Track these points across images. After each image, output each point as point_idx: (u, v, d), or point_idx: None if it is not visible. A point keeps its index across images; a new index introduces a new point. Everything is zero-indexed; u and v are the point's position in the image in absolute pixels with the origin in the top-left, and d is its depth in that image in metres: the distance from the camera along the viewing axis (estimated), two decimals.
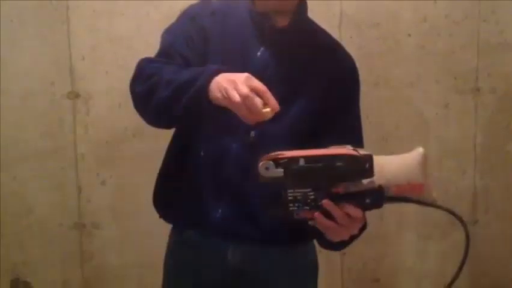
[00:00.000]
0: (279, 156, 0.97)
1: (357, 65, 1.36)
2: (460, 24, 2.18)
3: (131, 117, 2.04)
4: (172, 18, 1.31)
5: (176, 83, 1.11)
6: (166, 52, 1.25)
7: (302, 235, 1.31)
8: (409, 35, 2.17)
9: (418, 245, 2.29)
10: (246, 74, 1.04)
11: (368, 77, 2.03)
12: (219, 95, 1.04)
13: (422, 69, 2.19)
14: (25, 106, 2.07)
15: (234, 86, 1.02)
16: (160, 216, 1.33)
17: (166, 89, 1.12)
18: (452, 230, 2.24)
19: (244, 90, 1.01)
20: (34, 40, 2.06)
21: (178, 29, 1.28)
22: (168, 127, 1.29)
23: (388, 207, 1.01)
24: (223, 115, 1.09)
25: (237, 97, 1.01)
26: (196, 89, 1.07)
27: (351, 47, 1.39)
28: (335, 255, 2.22)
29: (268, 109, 1.03)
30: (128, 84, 1.23)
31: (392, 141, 2.14)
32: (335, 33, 1.41)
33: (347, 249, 2.16)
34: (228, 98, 1.02)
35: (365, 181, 1.00)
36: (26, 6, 2.04)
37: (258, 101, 1.02)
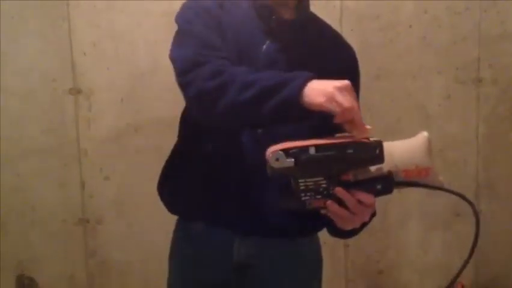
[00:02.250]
0: (289, 146, 0.96)
1: (359, 57, 1.36)
2: (461, 15, 2.17)
3: (133, 112, 2.08)
4: (172, 14, 1.29)
5: (261, 86, 1.05)
6: (206, 44, 1.17)
7: (309, 229, 1.32)
8: (410, 26, 2.17)
9: (421, 237, 2.29)
10: (348, 82, 1.01)
11: (370, 69, 2.03)
12: (322, 99, 0.99)
13: (424, 61, 2.19)
14: (27, 103, 2.08)
15: (340, 92, 0.99)
16: (165, 206, 1.33)
17: (245, 91, 1.05)
18: (455, 221, 2.24)
19: (350, 97, 0.99)
20: (35, 37, 2.06)
21: (198, 20, 1.21)
22: (233, 128, 1.23)
23: (390, 200, 1.02)
24: (309, 122, 1.07)
25: (347, 103, 0.98)
26: (289, 92, 1.02)
27: (352, 40, 1.39)
28: (339, 247, 2.23)
29: (370, 126, 0.99)
30: (177, 76, 1.15)
31: (394, 132, 2.14)
32: (336, 26, 1.41)
33: (350, 242, 2.20)
34: (335, 103, 0.98)
35: (373, 168, 1.01)
36: (27, 3, 2.04)
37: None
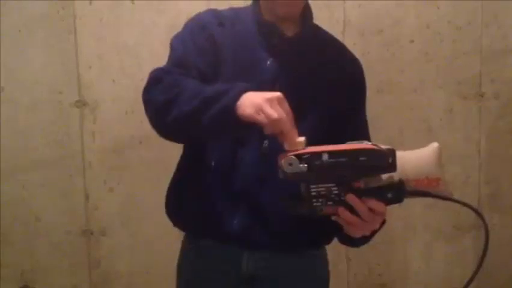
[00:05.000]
0: (303, 152, 0.97)
1: (363, 70, 1.38)
2: (462, 29, 2.19)
3: (138, 125, 2.09)
4: (177, 28, 1.32)
5: (202, 97, 1.07)
6: (180, 63, 1.22)
7: (317, 242, 1.32)
8: (412, 41, 2.18)
9: (424, 250, 2.29)
10: (279, 93, 1.02)
11: (372, 83, 2.02)
12: (251, 111, 1.01)
13: (426, 75, 2.20)
14: (33, 115, 2.10)
15: (269, 103, 1.00)
16: (174, 225, 1.34)
17: (189, 103, 1.08)
18: (458, 234, 2.24)
19: (280, 109, 1.00)
20: (42, 49, 2.08)
21: (190, 38, 1.25)
22: (181, 142, 1.27)
23: (393, 213, 1.02)
24: (246, 133, 1.08)
25: (275, 114, 0.98)
26: (225, 103, 1.04)
27: (354, 53, 1.41)
28: (341, 260, 2.23)
29: (303, 139, 1.00)
30: (141, 93, 1.20)
31: (396, 147, 2.13)
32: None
33: (352, 255, 2.20)
34: (263, 115, 0.99)
35: (384, 176, 1.01)
36: (34, 16, 2.06)
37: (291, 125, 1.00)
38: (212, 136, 1.17)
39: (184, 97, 1.10)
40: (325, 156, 0.97)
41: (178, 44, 1.26)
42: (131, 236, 2.16)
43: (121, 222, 2.15)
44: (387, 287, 2.29)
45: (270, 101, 1.00)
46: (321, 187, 1.00)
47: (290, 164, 0.96)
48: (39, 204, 2.14)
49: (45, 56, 2.08)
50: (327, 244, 1.35)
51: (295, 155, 0.96)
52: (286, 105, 1.02)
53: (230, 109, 1.03)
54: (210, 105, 1.06)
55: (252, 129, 1.04)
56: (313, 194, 1.00)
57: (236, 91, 1.05)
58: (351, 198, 1.00)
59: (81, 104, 2.11)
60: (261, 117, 1.00)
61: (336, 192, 1.00)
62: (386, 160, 0.98)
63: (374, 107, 2.08)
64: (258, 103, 1.00)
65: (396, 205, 1.04)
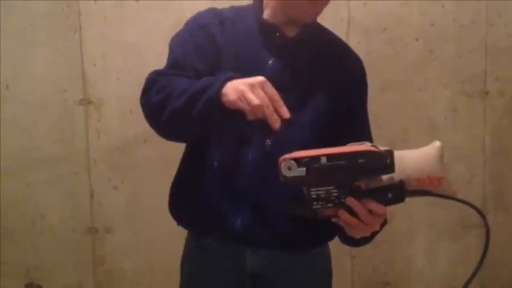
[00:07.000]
0: (301, 155, 0.97)
1: (365, 69, 1.38)
2: (467, 28, 2.18)
3: (143, 123, 2.06)
4: (181, 26, 1.33)
5: (190, 91, 1.09)
6: (177, 64, 1.23)
7: (320, 240, 1.33)
8: (417, 39, 2.18)
9: (428, 249, 2.29)
10: (261, 78, 1.03)
11: (376, 81, 2.04)
12: (234, 97, 1.02)
13: (430, 74, 2.19)
14: (38, 113, 2.11)
15: (251, 89, 1.01)
16: (178, 223, 1.34)
17: (179, 99, 1.10)
18: (462, 233, 2.24)
19: (262, 94, 1.00)
20: (47, 48, 2.09)
21: (189, 38, 1.25)
22: (179, 140, 1.28)
23: (397, 212, 1.02)
24: (235, 122, 1.08)
25: (255, 100, 0.99)
26: (210, 93, 1.05)
27: (358, 52, 1.40)
28: (345, 259, 2.23)
29: (287, 115, 1.02)
30: (140, 94, 1.21)
31: (400, 145, 2.12)
32: (343, 39, 1.43)
33: (356, 253, 2.20)
34: (245, 100, 1.01)
35: (385, 177, 1.01)
36: (39, 14, 2.07)
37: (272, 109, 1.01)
38: (204, 129, 1.17)
39: (176, 94, 1.11)
40: (323, 160, 0.97)
41: (176, 44, 1.27)
42: (135, 233, 2.17)
43: (125, 220, 2.16)
44: (391, 286, 2.30)
45: (251, 86, 1.01)
46: (321, 190, 1.01)
47: (289, 168, 0.97)
48: (44, 202, 2.15)
49: (50, 54, 2.09)
50: (329, 241, 1.35)
51: (294, 159, 0.97)
52: (270, 88, 1.02)
53: (215, 98, 1.04)
54: (198, 98, 1.07)
55: (239, 120, 1.05)
56: (314, 196, 1.01)
57: (221, 80, 1.06)
58: (350, 201, 1.01)
59: (86, 102, 2.11)
60: (243, 104, 1.01)
61: (335, 194, 1.01)
62: (383, 161, 0.99)
63: (378, 105, 2.09)
64: (240, 89, 1.01)
65: (399, 204, 1.05)
